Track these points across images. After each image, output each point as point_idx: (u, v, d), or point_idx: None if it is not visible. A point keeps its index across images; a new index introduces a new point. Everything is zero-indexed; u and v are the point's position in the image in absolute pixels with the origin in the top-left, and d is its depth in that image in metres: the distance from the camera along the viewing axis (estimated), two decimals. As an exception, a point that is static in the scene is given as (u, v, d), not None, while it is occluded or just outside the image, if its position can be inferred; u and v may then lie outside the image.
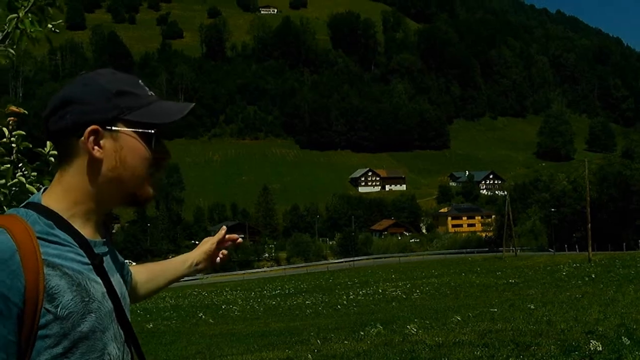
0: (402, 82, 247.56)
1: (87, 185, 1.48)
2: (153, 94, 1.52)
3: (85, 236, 1.48)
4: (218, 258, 2.07)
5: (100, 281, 1.47)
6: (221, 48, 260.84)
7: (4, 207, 2.31)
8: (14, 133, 2.42)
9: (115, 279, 1.55)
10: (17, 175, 2.40)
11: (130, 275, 1.83)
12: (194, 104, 1.52)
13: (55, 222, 1.44)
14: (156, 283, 2.02)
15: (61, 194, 1.49)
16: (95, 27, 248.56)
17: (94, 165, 1.47)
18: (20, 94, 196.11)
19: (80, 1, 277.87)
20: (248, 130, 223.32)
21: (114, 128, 1.45)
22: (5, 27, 2.59)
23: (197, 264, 2.05)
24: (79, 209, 1.49)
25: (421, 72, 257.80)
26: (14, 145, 2.41)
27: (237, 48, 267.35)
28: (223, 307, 34.41)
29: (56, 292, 1.36)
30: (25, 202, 1.51)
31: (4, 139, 2.40)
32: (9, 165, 2.38)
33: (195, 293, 50.82)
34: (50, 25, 2.70)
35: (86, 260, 1.45)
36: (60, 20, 2.82)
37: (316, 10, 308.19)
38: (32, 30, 2.60)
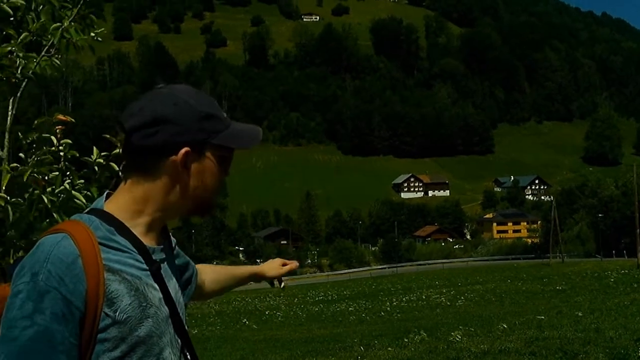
0: (445, 87, 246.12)
1: (165, 200, 1.52)
2: (225, 114, 1.57)
3: (145, 243, 1.51)
4: (280, 282, 2.31)
5: (157, 287, 1.50)
6: (264, 55, 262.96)
7: (53, 214, 2.38)
8: (61, 141, 2.46)
9: (172, 285, 1.58)
10: (65, 182, 2.46)
11: (196, 274, 1.93)
12: (260, 128, 1.58)
13: (116, 228, 1.47)
14: (220, 284, 2.17)
15: (129, 203, 1.52)
16: (141, 37, 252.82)
17: (179, 183, 1.51)
18: (70, 104, 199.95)
19: (127, 12, 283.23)
20: (291, 136, 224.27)
21: (202, 151, 1.50)
22: (50, 36, 2.62)
23: (263, 275, 2.26)
24: (146, 218, 1.53)
25: (464, 76, 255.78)
26: (62, 153, 2.47)
27: (279, 55, 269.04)
28: (266, 312, 34.46)
29: (115, 296, 1.40)
30: (89, 208, 1.54)
31: (53, 147, 2.45)
32: (57, 173, 2.45)
33: (238, 299, 51.01)
34: (93, 34, 2.75)
35: (144, 266, 1.49)
36: (103, 29, 2.86)
37: (358, 16, 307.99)
38: (77, 39, 2.64)
